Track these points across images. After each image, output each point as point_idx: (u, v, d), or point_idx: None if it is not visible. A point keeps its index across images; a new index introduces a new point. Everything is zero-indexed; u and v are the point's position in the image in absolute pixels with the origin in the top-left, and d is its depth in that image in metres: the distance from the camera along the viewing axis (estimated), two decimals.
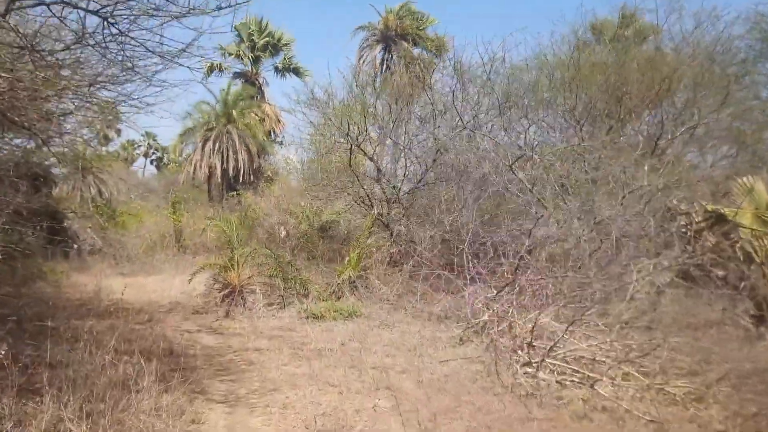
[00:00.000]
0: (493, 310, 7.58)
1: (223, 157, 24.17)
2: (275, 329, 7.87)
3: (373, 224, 12.49)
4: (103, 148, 46.93)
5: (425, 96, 12.64)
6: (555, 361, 6.03)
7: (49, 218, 16.61)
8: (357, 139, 12.28)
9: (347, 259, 12.24)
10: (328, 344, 6.84)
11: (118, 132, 54.48)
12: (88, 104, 7.02)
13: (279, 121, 28.45)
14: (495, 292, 7.99)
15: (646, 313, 6.98)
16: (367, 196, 12.89)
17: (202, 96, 35.91)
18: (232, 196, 20.69)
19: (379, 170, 13.45)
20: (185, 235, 20.48)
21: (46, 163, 14.98)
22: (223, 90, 24.51)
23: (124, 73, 5.89)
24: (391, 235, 13.07)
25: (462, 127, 11.72)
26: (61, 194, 20.18)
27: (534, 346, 6.54)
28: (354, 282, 11.08)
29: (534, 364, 6.02)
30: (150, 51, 5.23)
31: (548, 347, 6.16)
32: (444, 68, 12.45)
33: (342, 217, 16.61)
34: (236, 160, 24.21)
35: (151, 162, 55.16)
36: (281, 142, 29.39)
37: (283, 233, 18.12)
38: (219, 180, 24.91)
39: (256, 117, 26.10)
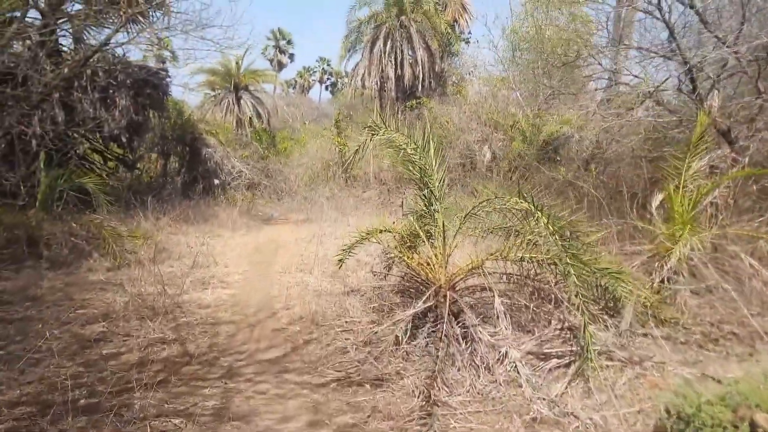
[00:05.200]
0: None
1: (396, 60, 18.58)
2: None
3: (703, 132, 5.69)
4: (278, 74, 45.49)
5: None
6: None
7: (182, 145, 12.96)
8: None
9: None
10: None
11: (292, 57, 53.13)
12: None
13: (465, 10, 21.65)
14: None
15: None
16: (690, 69, 6.07)
17: None
18: (410, 107, 15.07)
19: (704, 22, 6.32)
20: (353, 163, 15.78)
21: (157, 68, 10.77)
22: None
23: None
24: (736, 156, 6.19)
25: None
26: (202, 116, 16.63)
27: None
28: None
29: None
30: None
31: None
32: None
33: (575, 128, 10.27)
34: (412, 64, 18.44)
35: (326, 88, 52.86)
36: (467, 40, 22.70)
37: (488, 155, 12.17)
38: (393, 92, 19.54)
39: (436, 5, 19.69)
